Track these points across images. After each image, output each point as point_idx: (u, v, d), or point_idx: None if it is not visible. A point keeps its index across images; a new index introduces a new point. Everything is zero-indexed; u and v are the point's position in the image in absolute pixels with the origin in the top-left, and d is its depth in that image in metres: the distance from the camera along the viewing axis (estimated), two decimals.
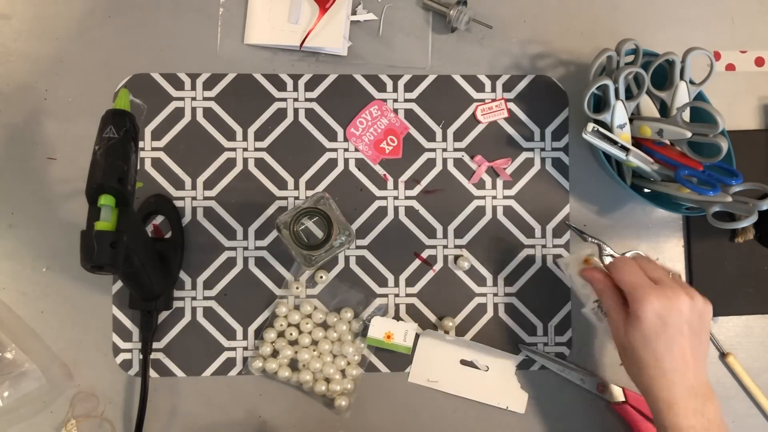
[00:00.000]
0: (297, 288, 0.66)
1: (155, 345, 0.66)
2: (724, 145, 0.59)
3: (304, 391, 0.66)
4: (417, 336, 0.66)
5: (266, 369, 0.65)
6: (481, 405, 0.66)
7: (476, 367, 0.66)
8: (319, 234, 0.59)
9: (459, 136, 0.69)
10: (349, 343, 0.65)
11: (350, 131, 0.68)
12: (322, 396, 0.65)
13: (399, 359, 0.66)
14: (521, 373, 0.67)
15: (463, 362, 0.66)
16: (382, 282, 0.67)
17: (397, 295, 0.67)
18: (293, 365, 0.66)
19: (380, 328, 0.65)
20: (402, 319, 0.67)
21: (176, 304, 0.66)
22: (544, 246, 0.68)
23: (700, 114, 0.63)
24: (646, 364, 0.55)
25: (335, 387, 0.64)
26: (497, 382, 0.66)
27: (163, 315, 0.66)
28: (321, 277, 0.66)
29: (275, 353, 0.66)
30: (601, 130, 0.62)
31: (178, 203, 0.67)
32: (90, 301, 0.66)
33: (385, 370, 0.67)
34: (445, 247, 0.68)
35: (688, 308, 0.54)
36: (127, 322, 0.66)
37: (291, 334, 0.65)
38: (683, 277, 0.69)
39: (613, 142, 0.63)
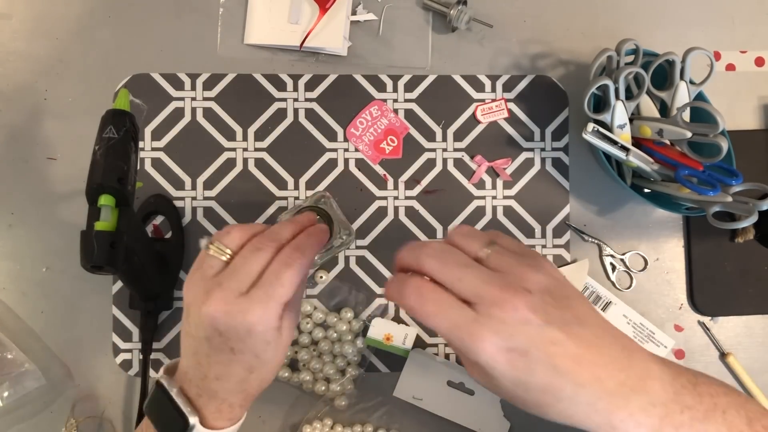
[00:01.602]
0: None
1: (155, 345, 0.66)
2: (724, 145, 0.59)
3: (304, 391, 0.66)
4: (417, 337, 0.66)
5: None
6: (463, 428, 0.66)
7: (463, 390, 0.66)
8: None
9: (459, 136, 0.69)
10: (349, 343, 0.65)
11: (350, 131, 0.68)
12: (321, 396, 0.65)
13: (399, 360, 0.66)
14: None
15: (450, 384, 0.66)
16: (382, 282, 0.67)
17: None
18: (293, 365, 0.66)
19: (380, 330, 0.65)
20: (403, 320, 0.67)
21: (176, 304, 0.66)
22: (544, 246, 0.68)
23: (700, 114, 0.63)
24: (549, 405, 0.36)
25: (335, 387, 0.64)
26: (481, 408, 0.66)
27: (163, 315, 0.66)
28: (321, 277, 0.66)
29: None
30: (601, 130, 0.62)
31: (178, 203, 0.67)
32: (90, 301, 0.66)
33: (385, 370, 0.67)
34: None
35: (531, 307, 0.35)
36: (127, 322, 0.66)
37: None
38: (682, 278, 0.69)
39: (613, 142, 0.63)
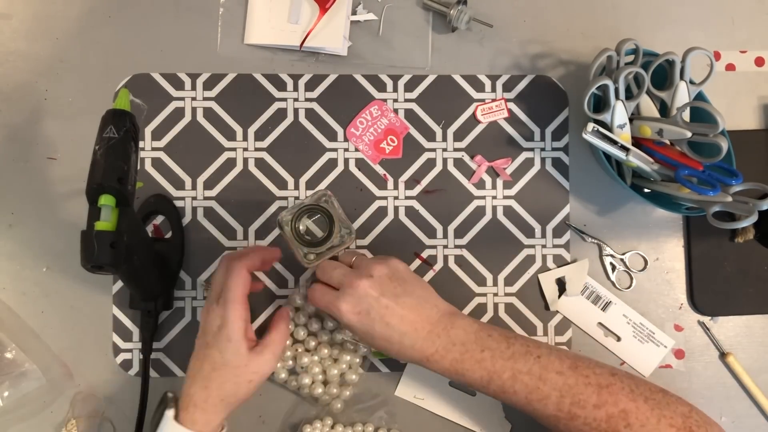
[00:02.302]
0: (298, 301, 0.65)
1: (155, 345, 0.66)
2: (724, 145, 0.59)
3: (302, 395, 0.65)
4: None
5: None
6: (464, 429, 0.66)
7: (464, 391, 0.66)
8: (320, 232, 0.59)
9: (459, 136, 0.69)
10: (350, 351, 0.65)
11: (350, 131, 0.68)
12: (318, 399, 0.65)
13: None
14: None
15: (452, 384, 0.66)
16: None
17: None
18: (293, 368, 0.66)
19: None
20: None
21: (176, 304, 0.66)
22: (544, 246, 0.68)
23: (700, 114, 0.63)
24: (388, 349, 0.56)
25: (332, 390, 0.64)
26: (482, 409, 0.66)
27: (163, 315, 0.66)
28: None
29: None
30: (601, 130, 0.62)
31: (178, 203, 0.67)
32: (90, 301, 0.66)
33: (385, 370, 0.67)
34: (445, 247, 0.68)
35: (371, 285, 0.55)
36: (127, 322, 0.66)
37: (291, 335, 0.65)
38: (682, 277, 0.69)
39: (613, 142, 0.63)
